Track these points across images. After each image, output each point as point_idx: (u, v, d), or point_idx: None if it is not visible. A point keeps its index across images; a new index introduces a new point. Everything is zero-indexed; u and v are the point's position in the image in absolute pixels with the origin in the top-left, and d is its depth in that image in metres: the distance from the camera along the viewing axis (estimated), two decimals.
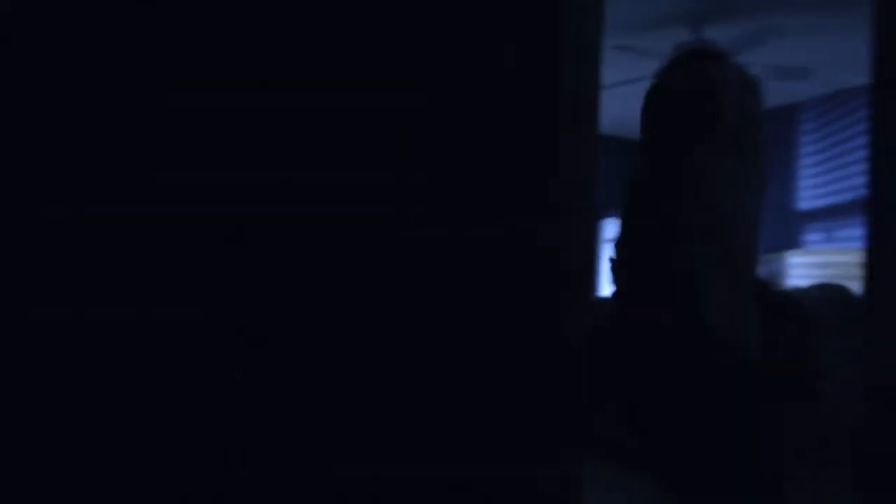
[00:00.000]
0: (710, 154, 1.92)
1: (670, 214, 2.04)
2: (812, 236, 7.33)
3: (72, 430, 0.85)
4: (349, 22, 0.99)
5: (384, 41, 0.98)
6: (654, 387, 2.21)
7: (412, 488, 0.97)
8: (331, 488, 0.93)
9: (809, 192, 7.50)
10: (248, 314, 0.90)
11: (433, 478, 0.98)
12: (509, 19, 1.05)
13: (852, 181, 7.03)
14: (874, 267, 1.83)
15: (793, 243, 7.34)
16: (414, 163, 0.99)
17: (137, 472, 0.86)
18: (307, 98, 0.93)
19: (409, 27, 1.00)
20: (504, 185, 1.03)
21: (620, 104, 7.18)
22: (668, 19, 6.20)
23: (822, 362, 2.40)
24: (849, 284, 2.57)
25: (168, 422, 0.88)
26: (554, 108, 1.08)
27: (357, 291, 0.98)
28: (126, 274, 0.86)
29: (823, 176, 7.43)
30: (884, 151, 1.86)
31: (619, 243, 2.36)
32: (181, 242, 0.88)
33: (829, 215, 7.21)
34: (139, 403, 0.87)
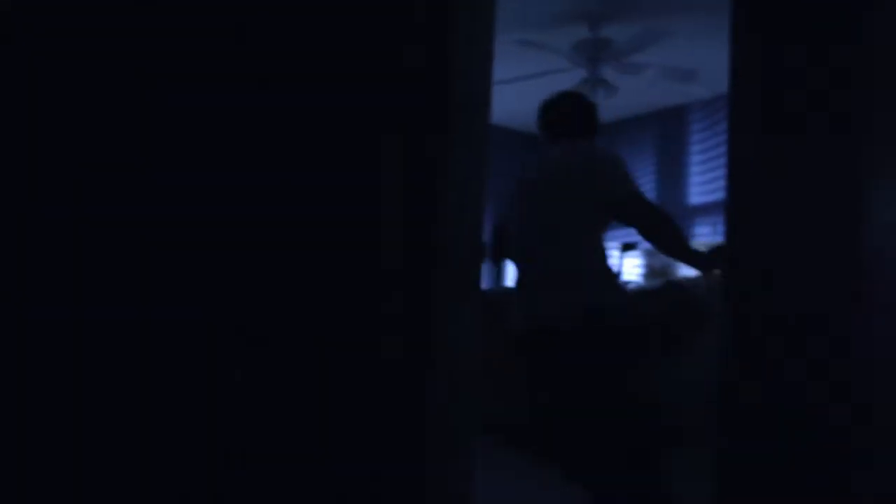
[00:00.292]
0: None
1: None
2: (701, 230, 7.72)
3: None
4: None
5: (270, 40, 0.98)
6: (562, 379, 2.32)
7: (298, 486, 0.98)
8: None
9: (698, 189, 7.90)
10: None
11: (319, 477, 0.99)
12: (401, 18, 1.07)
13: None
14: (731, 258, 2.00)
15: None
16: (310, 162, 1.00)
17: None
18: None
19: (298, 26, 1.01)
20: (392, 179, 1.06)
21: (520, 98, 7.31)
22: (568, 17, 6.38)
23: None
24: None
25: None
26: (444, 103, 1.10)
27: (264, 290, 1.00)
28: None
29: (711, 173, 7.82)
30: (736, 158, 2.02)
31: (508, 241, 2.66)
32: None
33: (716, 210, 7.61)
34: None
